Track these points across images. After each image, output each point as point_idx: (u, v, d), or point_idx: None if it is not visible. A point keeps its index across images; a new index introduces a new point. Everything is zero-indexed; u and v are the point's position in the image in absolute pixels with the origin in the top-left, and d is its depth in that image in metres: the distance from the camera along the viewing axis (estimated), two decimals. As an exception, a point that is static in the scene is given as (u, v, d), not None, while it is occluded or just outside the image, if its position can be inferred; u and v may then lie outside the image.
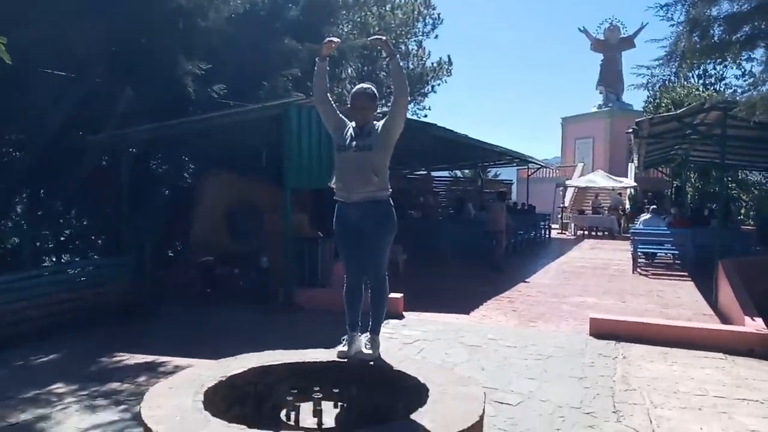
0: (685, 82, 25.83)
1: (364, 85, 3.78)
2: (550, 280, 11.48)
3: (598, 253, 16.54)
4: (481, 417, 2.69)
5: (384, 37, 3.71)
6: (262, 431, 2.57)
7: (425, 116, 28.88)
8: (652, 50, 28.85)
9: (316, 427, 2.86)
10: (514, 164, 25.30)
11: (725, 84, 29.77)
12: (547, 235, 20.82)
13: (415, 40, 29.67)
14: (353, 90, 3.80)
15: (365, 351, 3.62)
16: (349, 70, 23.58)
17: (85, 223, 9.73)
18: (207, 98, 9.30)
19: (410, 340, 6.61)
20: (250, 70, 10.76)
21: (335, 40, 3.67)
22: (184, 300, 8.41)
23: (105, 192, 9.10)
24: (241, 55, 10.59)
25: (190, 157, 9.22)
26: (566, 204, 27.85)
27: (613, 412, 4.56)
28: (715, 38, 6.54)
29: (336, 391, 3.13)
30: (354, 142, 3.60)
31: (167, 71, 8.77)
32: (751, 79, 7.51)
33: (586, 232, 23.05)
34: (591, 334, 6.91)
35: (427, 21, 29.93)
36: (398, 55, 3.60)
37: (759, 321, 6.55)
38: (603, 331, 6.88)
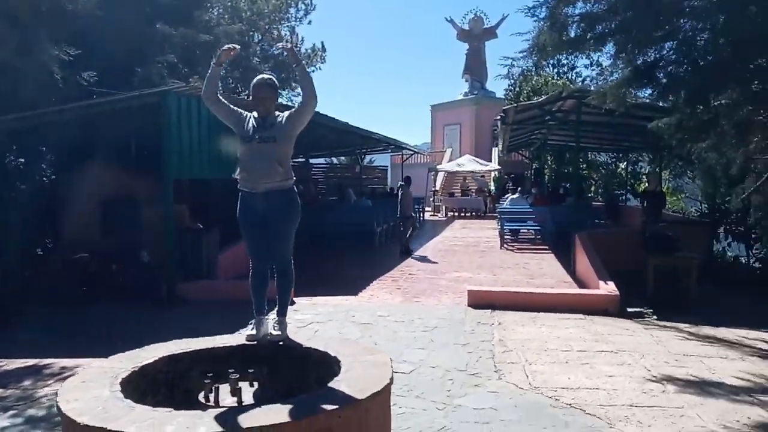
0: (542, 71, 27.91)
1: (265, 76, 3.91)
2: (428, 259, 12.15)
3: (468, 232, 17.63)
4: (391, 379, 2.99)
5: (290, 45, 3.84)
6: (189, 411, 2.69)
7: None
8: (513, 41, 30.86)
9: (236, 405, 3.00)
10: (389, 151, 26.07)
11: (576, 73, 32.57)
12: (421, 218, 21.76)
13: (288, 26, 29.33)
14: (254, 81, 3.89)
15: (274, 333, 3.79)
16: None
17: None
18: (76, 86, 8.76)
19: (303, 324, 6.81)
20: (122, 57, 10.27)
21: (235, 47, 3.73)
22: (57, 299, 7.95)
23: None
24: (112, 40, 10.05)
25: (60, 149, 8.65)
26: (438, 187, 29.16)
27: (495, 371, 5.10)
28: (572, 35, 7.29)
29: (251, 371, 3.28)
30: (257, 134, 3.71)
31: (30, 57, 8.16)
32: (600, 70, 8.43)
33: (457, 213, 24.37)
34: (469, 305, 7.52)
35: (299, 7, 29.63)
36: (303, 62, 3.74)
37: (611, 284, 7.51)
38: (479, 301, 7.52)
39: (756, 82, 5.12)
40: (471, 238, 16.07)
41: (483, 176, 28.67)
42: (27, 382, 5.01)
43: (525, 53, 9.14)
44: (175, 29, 13.12)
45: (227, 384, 3.12)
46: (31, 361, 5.59)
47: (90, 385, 2.99)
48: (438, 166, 28.91)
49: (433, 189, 28.17)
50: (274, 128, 3.74)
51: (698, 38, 5.73)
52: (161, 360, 3.43)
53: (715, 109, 6.22)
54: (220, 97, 3.74)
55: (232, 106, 3.85)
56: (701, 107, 6.40)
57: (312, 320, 6.95)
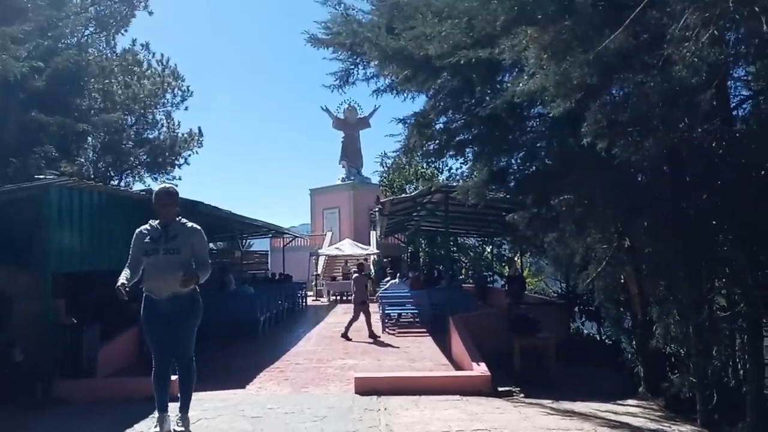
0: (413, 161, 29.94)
1: (166, 185, 4.30)
2: (314, 346, 12.41)
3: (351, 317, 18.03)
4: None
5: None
6: None
7: (176, 186, 28.44)
8: (386, 129, 32.98)
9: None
10: (270, 235, 26.30)
11: (442, 162, 35.31)
12: (304, 303, 21.92)
13: (163, 111, 29.26)
14: (156, 190, 4.28)
15: (177, 429, 3.99)
16: (91, 140, 22.41)
17: None
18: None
19: (192, 420, 6.80)
20: (-5, 147, 9.99)
21: (123, 289, 4.05)
22: None
23: None
24: (-18, 129, 9.81)
25: None
26: (319, 271, 29.56)
27: (382, 455, 5.48)
28: (438, 143, 8.32)
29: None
30: (162, 246, 4.05)
31: None
32: (462, 171, 9.60)
33: (339, 297, 24.78)
34: (357, 392, 7.87)
35: (176, 92, 29.77)
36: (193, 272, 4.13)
37: (483, 366, 8.24)
38: (366, 388, 7.90)
39: (583, 190, 6.21)
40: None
41: (365, 259, 29.57)
42: None
43: (397, 152, 10.22)
44: (52, 117, 12.96)
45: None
46: None
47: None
48: (319, 250, 29.43)
49: (314, 273, 28.52)
50: (177, 240, 4.10)
51: (537, 153, 6.88)
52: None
53: (556, 209, 7.35)
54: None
55: (135, 250, 4.16)
56: (545, 208, 7.53)
57: (200, 416, 6.92)
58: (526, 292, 15.99)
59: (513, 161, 7.71)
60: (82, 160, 22.70)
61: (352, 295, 24.35)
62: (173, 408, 5.02)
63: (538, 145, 6.72)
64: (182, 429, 3.98)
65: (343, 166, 41.87)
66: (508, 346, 9.67)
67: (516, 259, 18.79)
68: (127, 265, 4.15)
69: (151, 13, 24.53)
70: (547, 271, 21.85)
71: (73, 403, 7.68)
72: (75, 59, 15.69)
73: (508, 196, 9.43)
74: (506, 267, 20.54)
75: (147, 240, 4.07)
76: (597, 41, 3.75)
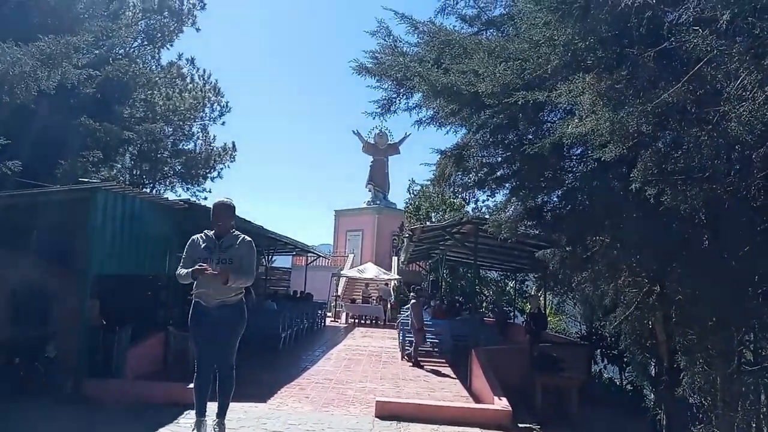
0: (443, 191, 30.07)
1: (224, 199, 4.50)
2: (333, 366, 12.48)
3: (370, 341, 18.10)
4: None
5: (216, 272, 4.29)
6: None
7: (205, 198, 28.96)
8: (414, 157, 33.23)
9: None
10: (293, 253, 26.52)
11: (470, 193, 35.33)
12: (323, 323, 22.03)
13: (200, 124, 29.89)
14: (215, 202, 4.48)
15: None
16: (131, 148, 23.00)
17: None
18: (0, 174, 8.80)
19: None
20: (46, 148, 10.39)
21: (208, 269, 4.26)
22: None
23: None
24: (37, 131, 10.21)
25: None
26: (339, 292, 29.67)
27: (404, 480, 5.54)
28: (476, 175, 8.45)
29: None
30: (215, 256, 4.23)
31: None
32: (496, 205, 9.68)
33: (357, 320, 24.84)
34: (377, 416, 7.93)
35: (215, 107, 30.42)
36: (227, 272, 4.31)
37: (504, 400, 8.23)
38: (386, 412, 7.96)
39: (621, 233, 6.26)
40: (373, 347, 16.55)
41: (386, 284, 29.63)
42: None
43: (431, 181, 10.37)
44: (99, 124, 13.40)
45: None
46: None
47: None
48: (341, 272, 29.57)
49: (335, 294, 28.64)
50: (230, 250, 4.28)
51: (577, 192, 6.95)
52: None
53: (591, 249, 7.39)
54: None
55: (188, 256, 4.35)
56: (580, 247, 7.58)
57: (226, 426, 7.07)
58: (547, 331, 15.89)
59: (551, 199, 7.79)
60: (120, 166, 23.32)
61: (370, 319, 24.65)
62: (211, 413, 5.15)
63: (578, 185, 6.80)
64: (218, 433, 4.09)
65: (370, 190, 42.19)
66: (530, 383, 9.64)
67: (539, 296, 18.67)
68: (181, 266, 4.32)
69: (198, 29, 25.26)
70: (569, 311, 21.68)
71: (101, 401, 7.86)
72: (124, 69, 16.26)
73: (540, 233, 9.48)
74: (528, 304, 20.45)
75: (202, 248, 4.25)
76: (654, 93, 3.87)
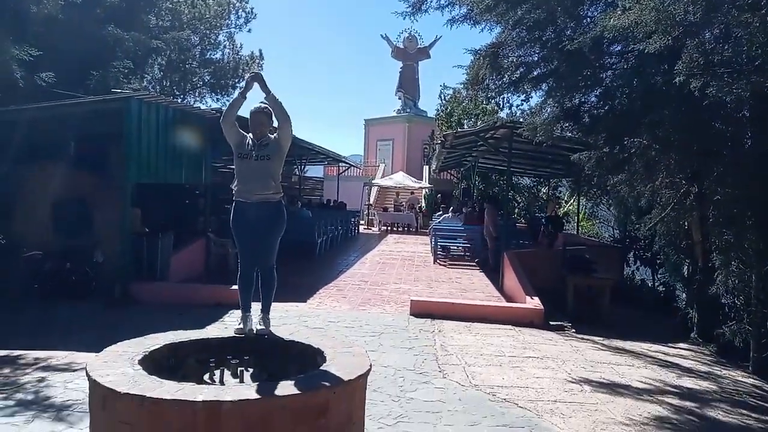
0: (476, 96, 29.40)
1: (261, 105, 4.48)
2: (368, 270, 12.83)
3: (403, 247, 18.45)
4: (371, 366, 3.63)
5: (260, 73, 4.40)
6: (207, 385, 3.22)
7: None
8: (445, 60, 32.31)
9: (239, 384, 3.54)
10: (325, 163, 26.65)
11: (503, 97, 34.45)
12: (356, 231, 22.43)
13: (226, 32, 29.35)
14: (252, 108, 4.48)
15: (259, 327, 4.33)
16: (159, 58, 22.84)
17: None
18: (34, 86, 8.88)
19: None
20: (78, 59, 10.41)
21: (257, 74, 4.28)
22: (10, 296, 8.04)
23: None
24: (69, 42, 10.18)
25: (14, 148, 8.71)
26: (371, 201, 29.95)
27: (439, 371, 5.81)
28: (511, 76, 8.21)
29: (246, 358, 3.82)
30: (254, 152, 4.28)
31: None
32: (532, 107, 9.44)
33: (389, 227, 25.21)
34: (411, 314, 8.23)
35: (240, 14, 29.75)
36: (271, 93, 4.30)
37: (536, 299, 8.44)
38: (420, 311, 8.25)
39: (661, 131, 6.10)
40: (406, 252, 16.88)
41: (413, 193, 29.76)
42: (6, 370, 5.27)
43: (464, 84, 10.09)
44: (127, 33, 13.26)
45: (225, 368, 3.67)
46: (1, 352, 5.81)
47: (112, 365, 3.44)
48: (373, 181, 29.72)
49: (367, 203, 28.94)
50: (268, 147, 4.32)
51: (616, 91, 6.72)
52: (165, 347, 3.90)
53: (628, 150, 7.25)
54: (235, 122, 4.34)
55: (239, 129, 4.41)
56: (617, 147, 7.43)
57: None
58: (563, 232, 15.96)
59: (588, 98, 7.56)
60: (149, 77, 23.29)
61: (403, 226, 25.00)
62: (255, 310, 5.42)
63: (618, 83, 6.57)
64: (263, 327, 4.30)
65: (399, 98, 41.43)
66: (560, 284, 9.79)
67: (554, 200, 18.56)
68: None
69: (219, -70, 24.25)
70: (601, 215, 21.57)
71: (148, 303, 8.31)
72: (147, -25, 15.90)
73: (576, 135, 9.28)
74: (546, 207, 20.42)
75: (245, 145, 4.31)
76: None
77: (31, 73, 8.90)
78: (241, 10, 29.57)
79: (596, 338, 7.85)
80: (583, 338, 7.80)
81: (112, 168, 9.23)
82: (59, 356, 5.73)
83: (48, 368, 5.39)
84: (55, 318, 7.44)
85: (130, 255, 8.72)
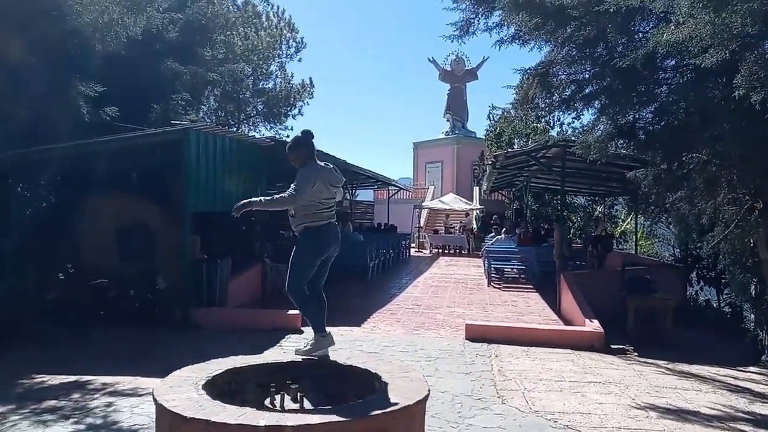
0: (526, 115, 29.13)
1: (309, 131, 4.59)
2: (421, 293, 12.80)
3: (455, 269, 18.32)
4: (429, 391, 3.61)
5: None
6: (267, 412, 3.27)
7: (287, 136, 29.61)
8: (493, 81, 32.26)
9: (299, 408, 3.58)
10: (375, 186, 26.87)
11: (554, 116, 34.03)
12: (407, 254, 22.43)
13: (278, 62, 30.21)
14: (305, 134, 4.60)
15: (306, 349, 4.40)
16: (215, 90, 23.68)
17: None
18: (99, 120, 9.36)
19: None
20: (139, 93, 10.91)
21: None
22: (78, 322, 8.37)
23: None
24: (130, 77, 10.70)
25: (83, 178, 9.19)
26: (422, 224, 29.94)
27: (498, 396, 5.72)
28: (561, 96, 8.13)
29: (304, 383, 3.86)
30: (335, 178, 4.41)
31: (61, 92, 8.76)
32: (584, 124, 9.28)
33: (440, 250, 25.10)
34: (467, 338, 8.14)
35: (290, 44, 30.62)
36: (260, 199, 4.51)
37: (596, 322, 8.21)
38: (476, 335, 8.15)
39: (721, 145, 5.90)
40: (458, 275, 16.76)
41: (468, 215, 29.59)
42: (76, 395, 5.48)
43: (513, 104, 10.05)
44: (185, 67, 13.83)
45: (285, 393, 3.72)
46: (71, 378, 6.05)
47: (178, 389, 3.54)
48: (423, 203, 29.74)
49: (417, 225, 28.94)
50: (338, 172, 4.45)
51: (672, 106, 6.55)
52: (227, 372, 4.00)
53: (687, 166, 7.04)
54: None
55: (320, 168, 4.46)
56: (675, 164, 7.23)
57: (322, 347, 7.49)
58: (640, 255, 15.50)
59: (643, 115, 7.40)
60: (206, 108, 24.16)
61: (454, 249, 24.84)
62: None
63: (674, 98, 6.41)
64: (320, 351, 4.36)
65: (448, 120, 41.49)
66: (619, 305, 9.49)
67: (604, 218, 18.00)
68: None
69: (269, -34, 25.18)
70: (660, 234, 20.88)
71: (207, 328, 8.52)
72: (203, 11, 16.58)
73: (632, 152, 9.08)
74: (594, 226, 19.88)
75: (326, 173, 4.44)
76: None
77: (96, 108, 9.40)
78: (291, 41, 30.49)
79: (660, 362, 7.56)
80: (646, 362, 7.54)
81: (172, 197, 9.57)
82: (125, 381, 5.93)
83: (115, 393, 5.58)
84: (121, 344, 7.71)
85: (191, 281, 8.97)
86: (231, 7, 26.23)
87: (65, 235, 9.25)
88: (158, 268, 9.26)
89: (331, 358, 4.38)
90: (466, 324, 8.39)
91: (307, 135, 4.54)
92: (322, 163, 4.47)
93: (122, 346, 7.58)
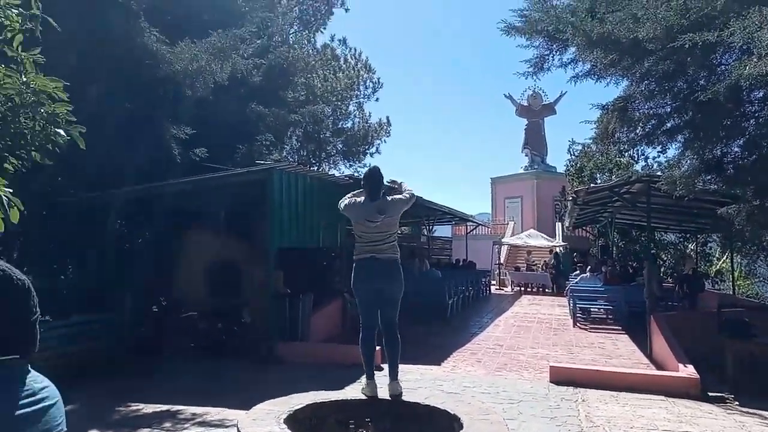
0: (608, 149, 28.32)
1: (374, 167, 4.72)
2: (503, 333, 12.51)
3: (538, 309, 17.80)
4: (510, 435, 3.52)
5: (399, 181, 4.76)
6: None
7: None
8: (571, 115, 31.69)
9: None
10: (453, 222, 26.74)
11: (638, 150, 32.79)
12: (488, 291, 22.04)
13: (356, 102, 31.02)
14: (366, 171, 4.77)
15: (392, 390, 4.39)
16: (297, 130, 24.56)
17: (70, 277, 10.03)
18: (190, 161, 9.94)
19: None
20: (225, 134, 11.49)
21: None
22: (171, 354, 8.79)
23: (88, 248, 9.49)
24: (217, 119, 11.32)
25: (170, 217, 9.77)
26: (502, 261, 29.41)
27: (584, 443, 5.47)
28: (642, 129, 7.91)
29: (383, 421, 3.87)
30: (371, 214, 4.46)
31: (155, 136, 9.40)
32: (669, 160, 8.94)
33: (522, 288, 24.48)
34: (551, 381, 7.85)
35: (368, 85, 31.41)
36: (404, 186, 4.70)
37: (690, 368, 7.72)
38: (561, 378, 7.85)
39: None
40: (542, 314, 16.27)
41: (551, 251, 28.81)
42: (167, 424, 5.73)
43: (593, 139, 9.81)
44: (268, 109, 14.47)
45: (364, 430, 3.75)
46: (163, 407, 6.33)
47: (261, 422, 3.64)
48: (503, 239, 29.28)
49: (497, 262, 28.48)
50: (383, 208, 4.49)
51: (762, 140, 6.21)
52: (308, 407, 4.07)
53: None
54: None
55: (353, 204, 4.63)
56: None
57: (403, 387, 7.44)
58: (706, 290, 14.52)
59: (731, 149, 7.06)
60: (288, 147, 25.09)
61: (537, 287, 24.17)
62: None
63: (763, 131, 6.08)
64: (397, 391, 4.36)
65: (526, 155, 40.93)
66: (717, 350, 8.90)
67: (693, 256, 16.96)
68: None
69: (347, 9, 26.23)
70: (761, 274, 19.52)
71: (289, 362, 8.67)
72: (284, 56, 17.37)
73: (721, 188, 8.64)
74: (683, 264, 18.74)
75: (359, 209, 4.53)
76: None
77: (186, 150, 9.99)
78: (368, 81, 31.27)
79: (765, 412, 6.99)
80: (748, 412, 6.98)
81: (257, 233, 9.95)
82: (213, 412, 6.13)
83: (204, 423, 5.77)
84: (209, 375, 8.00)
85: (274, 315, 9.23)
86: (311, 50, 27.34)
87: (159, 269, 9.79)
88: (244, 302, 9.59)
89: (411, 398, 4.36)
90: (551, 366, 8.11)
91: (365, 174, 4.76)
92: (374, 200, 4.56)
93: (211, 377, 7.86)
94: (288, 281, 10.36)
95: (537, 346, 10.88)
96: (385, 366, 6.09)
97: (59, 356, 7.49)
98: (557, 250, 28.53)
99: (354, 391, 6.84)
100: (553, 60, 8.40)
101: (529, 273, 25.50)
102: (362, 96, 31.02)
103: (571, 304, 14.59)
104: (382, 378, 6.24)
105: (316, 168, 28.04)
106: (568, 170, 32.68)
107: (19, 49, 3.52)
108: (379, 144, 30.42)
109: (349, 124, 30.36)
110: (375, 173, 4.67)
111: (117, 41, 9.07)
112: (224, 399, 6.58)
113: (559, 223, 31.36)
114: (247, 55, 14.39)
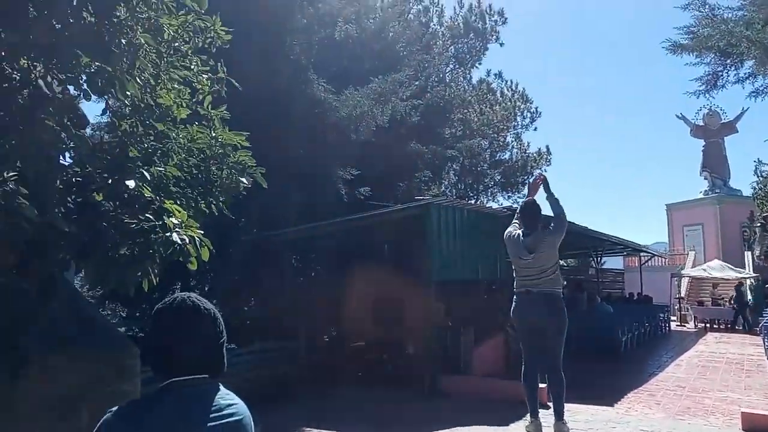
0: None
1: (529, 200, 4.60)
2: (685, 373, 11.35)
3: (727, 347, 15.93)
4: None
5: (543, 175, 4.60)
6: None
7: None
8: (755, 133, 28.39)
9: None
10: (624, 253, 25.02)
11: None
12: (667, 328, 20.22)
13: (513, 133, 30.62)
14: (521, 203, 4.66)
15: (556, 430, 4.16)
16: (454, 165, 24.80)
17: (252, 308, 11.05)
18: (354, 199, 10.48)
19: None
20: (386, 172, 11.98)
21: (541, 175, 4.53)
22: (340, 382, 9.18)
23: (266, 282, 10.34)
24: (378, 159, 11.85)
25: (338, 251, 10.36)
26: (682, 294, 26.89)
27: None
28: None
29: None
30: (521, 252, 4.33)
31: (324, 177, 10.07)
32: None
33: (708, 324, 22.10)
34: (743, 429, 6.94)
35: (525, 115, 30.92)
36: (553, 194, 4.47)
37: None
38: (757, 426, 6.89)
39: None
40: (731, 354, 14.52)
41: (741, 283, 25.77)
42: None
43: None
44: (426, 147, 14.83)
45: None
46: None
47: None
48: (682, 271, 26.78)
49: (677, 296, 26.06)
50: (543, 243, 4.33)
51: None
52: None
53: None
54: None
55: (508, 238, 4.54)
56: None
57: (572, 427, 7.02)
58: None
59: None
60: (446, 182, 25.39)
61: (723, 324, 21.65)
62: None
63: None
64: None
65: (706, 178, 37.35)
66: None
67: None
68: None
69: (502, 44, 26.22)
70: None
71: (451, 395, 8.63)
72: (441, 95, 17.76)
73: None
74: None
75: (513, 245, 4.43)
76: None
77: (351, 189, 10.57)
78: (526, 111, 30.79)
79: None
80: None
81: (418, 266, 10.13)
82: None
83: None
84: (375, 405, 8.24)
85: (436, 348, 9.27)
86: (466, 86, 27.66)
87: (329, 301, 10.36)
88: (407, 334, 9.76)
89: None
90: (743, 412, 7.16)
91: (521, 207, 4.65)
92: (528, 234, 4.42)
93: (377, 408, 8.07)
94: (450, 314, 10.37)
95: (726, 389, 9.69)
96: (551, 404, 5.81)
97: (245, 380, 8.16)
98: (748, 282, 25.46)
99: (519, 429, 6.62)
100: (728, 76, 7.77)
101: (714, 308, 22.95)
102: (520, 126, 30.56)
103: (767, 343, 12.87)
104: (548, 417, 5.99)
105: (474, 200, 28.02)
106: (756, 193, 29.20)
107: (209, 107, 4.00)
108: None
109: (506, 156, 29.99)
110: (530, 207, 4.58)
111: (289, 92, 9.96)
112: (388, 430, 6.69)
113: (749, 252, 28.02)
114: (406, 96, 14.97)
